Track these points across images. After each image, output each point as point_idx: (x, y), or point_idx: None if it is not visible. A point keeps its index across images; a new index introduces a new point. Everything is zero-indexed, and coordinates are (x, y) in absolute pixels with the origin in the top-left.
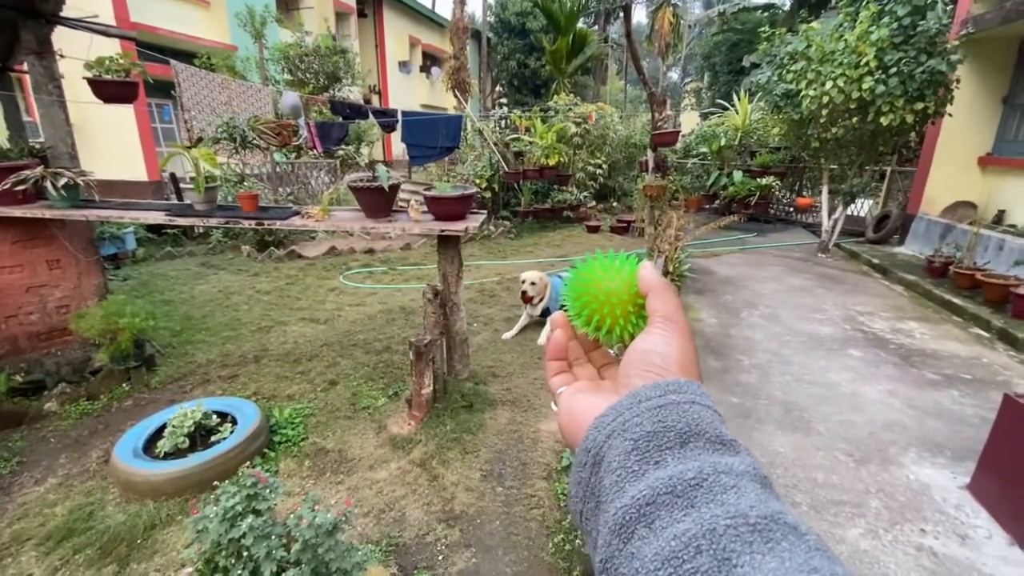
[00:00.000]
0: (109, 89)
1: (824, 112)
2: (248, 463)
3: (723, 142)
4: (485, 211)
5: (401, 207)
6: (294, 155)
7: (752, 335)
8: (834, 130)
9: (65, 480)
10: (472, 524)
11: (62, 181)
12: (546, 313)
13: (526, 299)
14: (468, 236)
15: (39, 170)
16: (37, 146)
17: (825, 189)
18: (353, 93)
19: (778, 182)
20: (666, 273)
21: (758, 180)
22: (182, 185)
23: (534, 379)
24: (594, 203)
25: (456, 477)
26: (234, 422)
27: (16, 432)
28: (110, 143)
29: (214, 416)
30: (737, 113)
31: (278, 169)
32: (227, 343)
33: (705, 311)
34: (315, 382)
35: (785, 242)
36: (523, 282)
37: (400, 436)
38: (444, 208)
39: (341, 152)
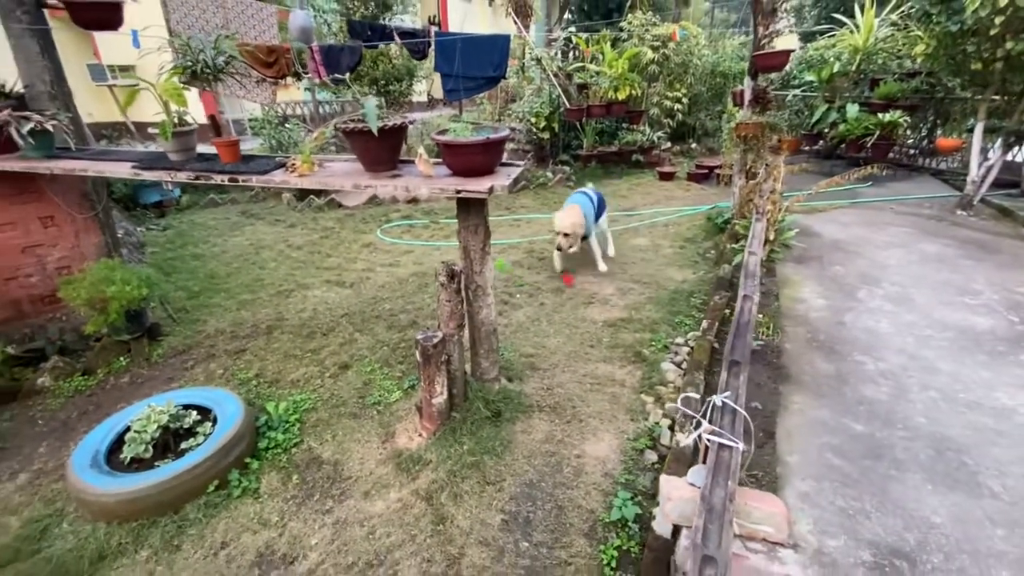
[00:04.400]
0: (86, 12)
1: (998, 20)
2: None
3: (835, 68)
4: (523, 162)
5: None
6: (341, 91)
7: (876, 325)
8: (1009, 45)
9: (36, 477)
10: None
11: (27, 127)
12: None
13: (562, 249)
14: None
15: (4, 114)
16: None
17: (980, 127)
18: (405, 24)
19: (906, 118)
20: (765, 242)
21: (879, 116)
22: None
23: (583, 376)
24: (669, 145)
25: (468, 522)
26: (215, 421)
27: (7, 410)
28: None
29: (192, 414)
30: (856, 31)
31: (321, 109)
32: (243, 309)
33: (808, 287)
34: (325, 364)
35: (911, 194)
36: (558, 233)
37: (407, 452)
38: (462, 159)
39: (390, 85)
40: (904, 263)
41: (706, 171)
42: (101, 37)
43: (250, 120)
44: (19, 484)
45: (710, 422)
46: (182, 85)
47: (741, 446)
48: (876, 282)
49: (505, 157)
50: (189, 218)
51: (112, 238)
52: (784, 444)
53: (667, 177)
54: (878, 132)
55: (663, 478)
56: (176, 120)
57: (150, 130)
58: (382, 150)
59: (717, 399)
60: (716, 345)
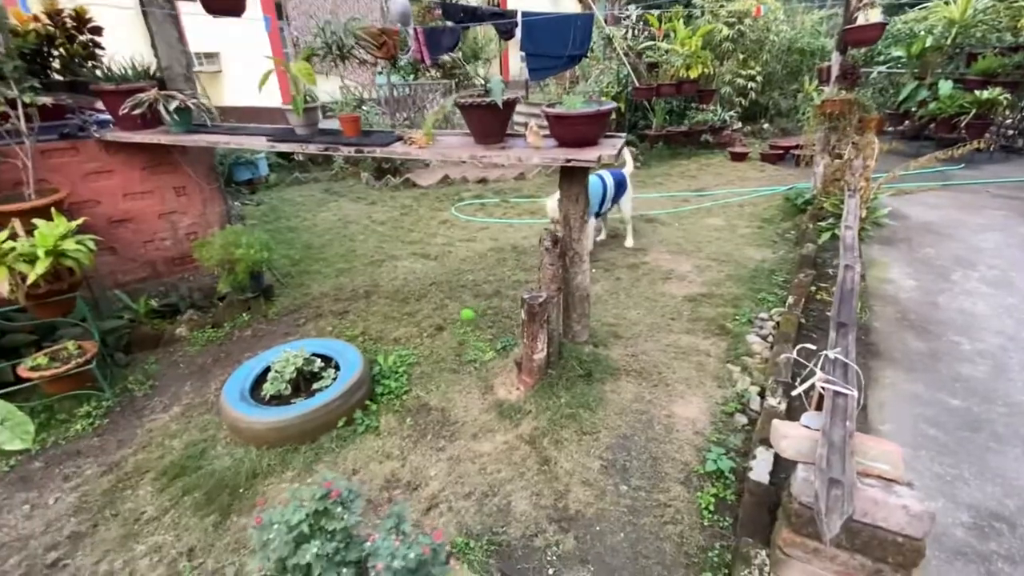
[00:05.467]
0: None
1: None
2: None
3: (927, 42)
4: (624, 135)
5: (519, 131)
6: (412, 76)
7: (972, 307)
8: None
9: (187, 410)
10: (590, 531)
11: (173, 104)
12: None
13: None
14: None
15: (152, 93)
16: (155, 70)
17: None
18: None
19: (1007, 96)
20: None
21: (975, 93)
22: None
23: (666, 345)
24: (740, 125)
25: (571, 464)
26: (337, 367)
27: (152, 354)
28: (245, 68)
29: (317, 361)
30: (952, 2)
31: (395, 93)
32: (340, 275)
33: (897, 268)
34: (422, 325)
35: (1010, 177)
36: (552, 220)
37: (508, 403)
38: (571, 130)
39: (456, 70)
40: (1002, 246)
41: (781, 152)
42: (189, 25)
43: (331, 103)
44: (173, 415)
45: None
46: (311, 65)
47: (855, 392)
48: (971, 265)
49: None
50: (278, 195)
51: (229, 209)
52: (876, 414)
53: (739, 158)
54: (974, 110)
55: (776, 422)
56: (306, 98)
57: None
58: (495, 123)
59: (830, 353)
60: (803, 320)
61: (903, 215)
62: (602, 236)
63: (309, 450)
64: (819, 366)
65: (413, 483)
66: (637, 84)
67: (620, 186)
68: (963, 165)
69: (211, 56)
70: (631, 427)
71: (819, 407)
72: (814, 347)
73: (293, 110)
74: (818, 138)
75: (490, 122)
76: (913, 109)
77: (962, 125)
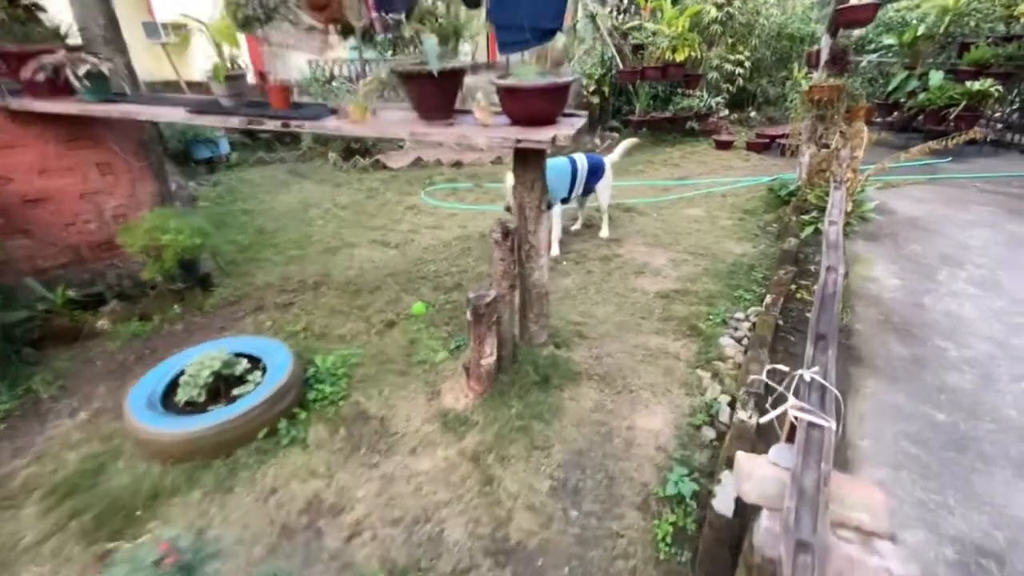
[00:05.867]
0: None
1: None
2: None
3: (919, 31)
4: (585, 113)
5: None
6: (390, 51)
7: (959, 310)
8: None
9: (95, 416)
10: (531, 567)
11: (83, 69)
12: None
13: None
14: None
15: (59, 56)
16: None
17: None
18: None
19: (999, 88)
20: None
21: (967, 85)
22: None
23: (634, 347)
24: (726, 112)
25: (516, 486)
26: (266, 370)
27: (67, 351)
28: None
29: (243, 362)
30: None
31: (368, 69)
32: (291, 264)
33: (881, 266)
34: (372, 321)
35: (998, 172)
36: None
37: (454, 412)
38: (524, 105)
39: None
40: (990, 244)
41: (767, 140)
42: None
43: (298, 81)
44: (78, 422)
45: (796, 398)
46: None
47: (833, 425)
48: (958, 263)
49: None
50: (238, 175)
51: (166, 189)
52: (855, 427)
53: (724, 146)
54: (964, 102)
55: (740, 455)
56: (229, 64)
57: (207, 77)
58: (438, 96)
59: (806, 374)
60: (781, 322)
61: (889, 209)
62: (577, 226)
63: (223, 466)
64: (792, 388)
65: (337, 506)
66: (622, 67)
67: (596, 172)
68: (951, 158)
69: (179, 27)
70: (588, 441)
71: (792, 437)
72: (787, 368)
73: (214, 78)
74: (805, 126)
75: (432, 95)
76: (902, 100)
77: (951, 117)
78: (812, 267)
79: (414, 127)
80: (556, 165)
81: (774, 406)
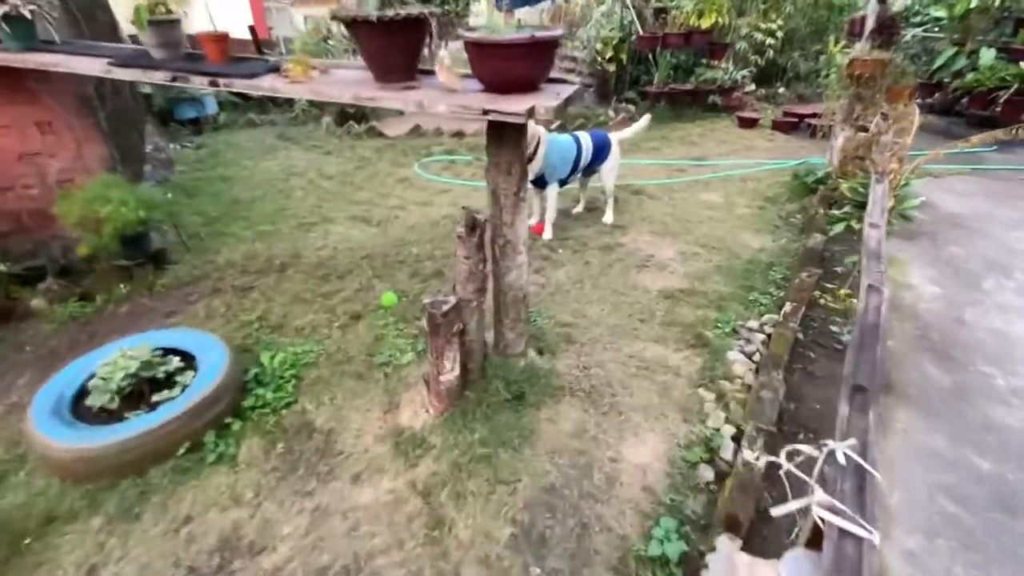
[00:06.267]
0: None
1: None
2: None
3: (973, 3)
4: (584, 83)
5: None
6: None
7: (1007, 327)
8: None
9: (7, 414)
10: None
11: (0, 11)
12: (541, 183)
13: None
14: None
15: None
16: None
17: None
18: None
19: None
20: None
21: (1020, 66)
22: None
23: (629, 356)
24: (752, 87)
25: (470, 532)
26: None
27: None
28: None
29: (175, 360)
30: None
31: None
32: (259, 240)
33: (918, 271)
34: (336, 312)
35: None
36: None
37: (409, 431)
38: (496, 65)
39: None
40: None
41: (796, 120)
42: None
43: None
44: None
45: (823, 482)
46: None
47: (876, 538)
48: (1006, 271)
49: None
50: (225, 137)
51: (120, 151)
52: (883, 474)
53: (748, 124)
54: (1016, 85)
55: (738, 559)
56: (159, 8)
57: (130, 21)
58: (393, 52)
59: (838, 448)
60: (800, 335)
61: (928, 203)
62: (579, 208)
63: (132, 488)
64: (817, 470)
65: (257, 544)
66: (641, 32)
67: (601, 151)
68: (996, 147)
69: None
70: (563, 475)
71: (813, 542)
72: (806, 449)
73: (136, 23)
74: (840, 106)
75: (386, 50)
76: (946, 80)
77: (1000, 101)
78: (839, 268)
79: (360, 90)
80: (560, 144)
81: (792, 503)
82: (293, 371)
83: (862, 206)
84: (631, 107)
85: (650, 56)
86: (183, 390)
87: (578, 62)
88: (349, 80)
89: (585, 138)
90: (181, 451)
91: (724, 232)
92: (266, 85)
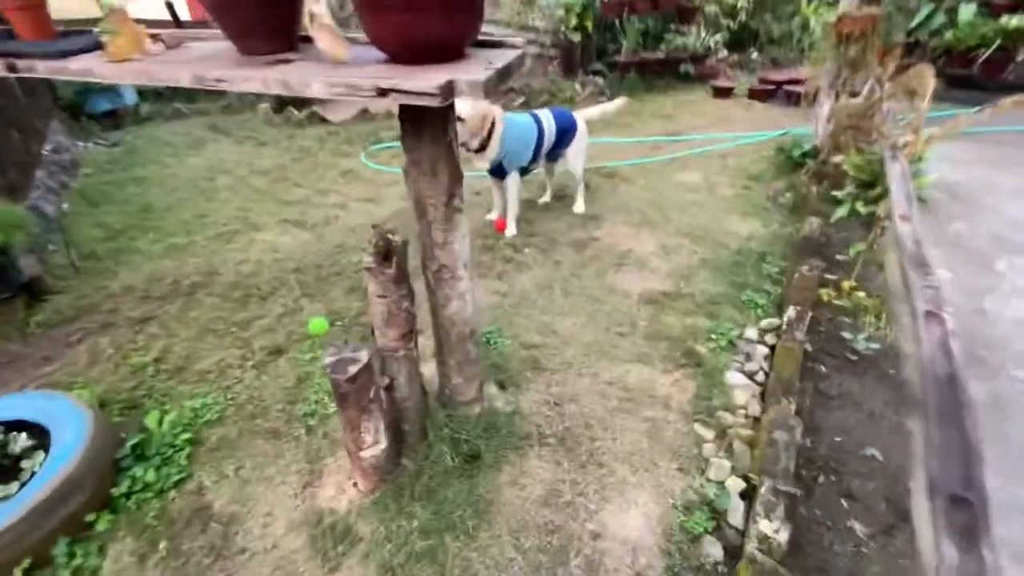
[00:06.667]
0: None
1: None
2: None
3: None
4: (521, 40)
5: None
6: None
7: None
8: None
9: None
10: None
11: None
12: (499, 172)
13: (463, 146)
14: (493, 95)
15: None
16: None
17: None
18: None
19: None
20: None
21: (1000, 21)
22: None
23: (608, 383)
24: (726, 54)
25: None
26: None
27: None
28: None
29: (21, 437)
30: None
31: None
32: (169, 256)
33: (926, 253)
34: (252, 347)
35: None
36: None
37: (331, 517)
38: (395, 22)
39: None
40: None
41: (772, 87)
42: None
43: None
44: None
45: None
46: None
47: None
48: (1018, 248)
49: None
50: (148, 132)
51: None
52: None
53: (724, 94)
54: (997, 43)
55: None
56: None
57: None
58: (252, 15)
59: None
60: (808, 348)
61: (922, 173)
62: (546, 198)
63: None
64: None
65: None
66: None
67: (566, 133)
68: (978, 109)
69: None
70: (531, 563)
71: None
72: None
73: None
74: (827, 70)
75: (243, 13)
76: (924, 39)
77: (979, 60)
78: (840, 257)
79: (207, 68)
80: (517, 124)
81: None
82: (188, 435)
83: (868, 185)
84: (599, 80)
85: (617, 23)
86: (22, 486)
87: (540, 32)
88: (206, 55)
89: (547, 117)
90: (21, 569)
91: (708, 218)
92: (75, 68)
